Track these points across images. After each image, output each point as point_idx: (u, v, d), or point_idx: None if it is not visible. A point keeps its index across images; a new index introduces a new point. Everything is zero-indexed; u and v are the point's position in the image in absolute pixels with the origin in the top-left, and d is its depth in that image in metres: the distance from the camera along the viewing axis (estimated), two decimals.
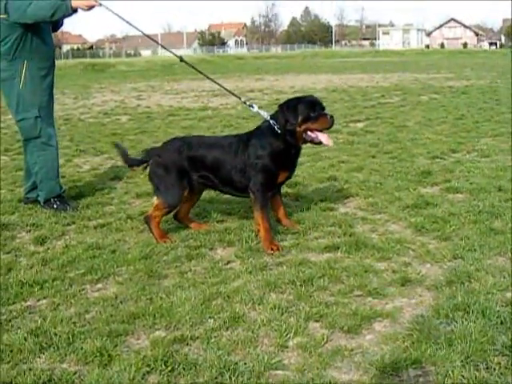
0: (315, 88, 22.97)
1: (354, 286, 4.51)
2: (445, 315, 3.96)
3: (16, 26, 6.53)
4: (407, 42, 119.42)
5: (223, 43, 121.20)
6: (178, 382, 3.37)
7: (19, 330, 3.95)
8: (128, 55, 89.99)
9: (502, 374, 3.30)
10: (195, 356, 3.60)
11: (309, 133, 5.56)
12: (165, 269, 5.01)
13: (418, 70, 35.13)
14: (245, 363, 3.49)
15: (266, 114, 5.80)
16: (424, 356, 3.47)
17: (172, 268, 5.03)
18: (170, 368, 3.45)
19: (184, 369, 3.45)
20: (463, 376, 3.27)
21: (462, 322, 3.81)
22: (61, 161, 7.32)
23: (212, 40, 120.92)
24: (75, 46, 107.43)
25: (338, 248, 5.30)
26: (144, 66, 51.81)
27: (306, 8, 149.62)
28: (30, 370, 3.50)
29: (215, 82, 6.75)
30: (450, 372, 3.30)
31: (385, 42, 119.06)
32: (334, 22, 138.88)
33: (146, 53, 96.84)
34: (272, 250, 5.30)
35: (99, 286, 4.75)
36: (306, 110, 5.53)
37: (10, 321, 4.14)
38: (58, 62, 7.19)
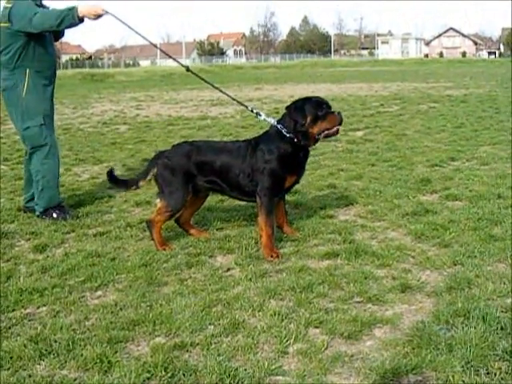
0: None
1: (353, 292, 4.51)
2: (445, 321, 3.96)
3: (19, 34, 6.53)
4: (406, 51, 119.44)
5: (222, 53, 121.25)
6: None
7: (19, 337, 3.95)
8: (127, 65, 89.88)
9: (502, 379, 3.30)
10: (195, 362, 3.60)
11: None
12: (165, 276, 5.01)
13: (416, 79, 35.17)
14: (245, 369, 3.48)
15: (272, 120, 5.81)
16: (424, 362, 3.47)
17: (172, 275, 5.03)
18: (170, 374, 3.45)
19: (184, 375, 3.45)
20: (463, 381, 3.28)
21: (462, 328, 3.81)
22: (60, 170, 7.32)
23: (211, 50, 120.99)
24: (74, 56, 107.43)
25: (338, 255, 5.31)
26: (143, 76, 51.89)
27: (305, 17, 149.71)
28: (30, 376, 3.50)
29: (222, 91, 6.77)
30: (450, 377, 3.30)
31: (384, 52, 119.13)
32: (332, 32, 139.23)
33: (144, 63, 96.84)
34: (272, 257, 5.31)
35: (99, 293, 4.75)
36: (313, 110, 5.56)
37: (9, 328, 4.14)
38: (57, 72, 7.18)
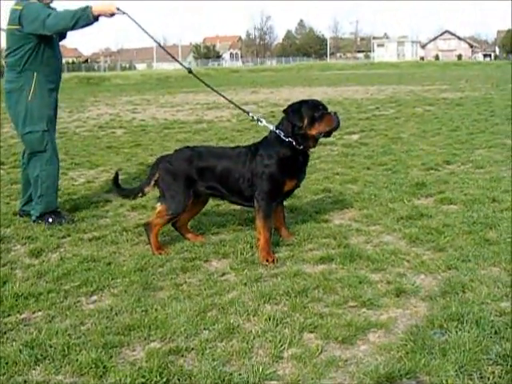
0: None
1: (348, 297, 4.52)
2: (439, 325, 3.98)
3: (30, 36, 6.50)
4: (402, 54, 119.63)
5: (218, 56, 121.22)
6: None
7: (14, 343, 3.96)
8: (123, 68, 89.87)
9: (495, 383, 3.31)
10: (190, 367, 3.61)
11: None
12: (160, 281, 5.02)
13: (412, 82, 35.23)
14: (240, 374, 3.49)
15: (272, 126, 5.83)
16: (418, 366, 3.48)
17: (167, 280, 5.04)
18: (165, 379, 3.45)
19: (179, 380, 3.46)
20: None
21: (456, 332, 3.83)
22: None
23: (207, 53, 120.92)
24: (70, 60, 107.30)
25: (333, 259, 5.32)
26: (139, 79, 51.88)
27: (301, 21, 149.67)
28: (25, 382, 3.51)
29: (222, 96, 6.78)
30: (444, 382, 3.32)
31: (379, 55, 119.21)
32: (328, 35, 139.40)
33: (141, 66, 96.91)
34: (267, 261, 5.32)
35: (94, 298, 4.76)
36: (309, 111, 5.60)
37: (5, 333, 4.14)
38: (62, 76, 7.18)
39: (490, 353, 3.58)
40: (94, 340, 3.95)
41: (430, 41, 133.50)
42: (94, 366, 3.62)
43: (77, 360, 3.69)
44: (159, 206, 5.81)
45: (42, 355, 3.78)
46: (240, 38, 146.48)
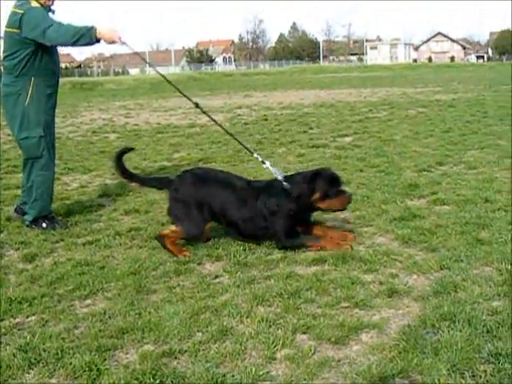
0: (303, 104, 23.03)
1: (341, 297, 4.53)
2: (431, 325, 3.99)
3: (28, 41, 6.45)
4: (395, 56, 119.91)
5: (211, 60, 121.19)
6: None
7: (8, 347, 3.96)
8: (116, 73, 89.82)
9: (487, 381, 3.33)
10: (183, 369, 3.62)
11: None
12: (153, 284, 5.03)
13: (405, 85, 35.27)
14: (233, 375, 3.51)
15: (279, 174, 5.89)
16: (411, 365, 3.50)
17: (160, 283, 5.04)
18: (158, 381, 3.46)
19: (172, 382, 3.47)
20: None
21: (449, 332, 3.85)
22: None
23: (200, 57, 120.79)
24: (63, 65, 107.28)
25: (326, 261, 5.33)
26: (132, 84, 51.77)
27: (294, 24, 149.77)
28: None
29: (221, 127, 6.80)
30: (436, 381, 3.33)
31: (372, 57, 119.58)
32: (321, 38, 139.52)
33: (134, 71, 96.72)
34: (339, 245, 5.60)
35: (88, 301, 4.76)
36: (324, 186, 5.67)
37: None
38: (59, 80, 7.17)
39: (482, 351, 3.60)
40: (87, 343, 3.96)
41: (423, 43, 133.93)
42: (87, 369, 3.62)
43: (70, 363, 3.69)
44: (175, 228, 5.87)
45: (35, 359, 3.78)
46: (233, 42, 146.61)
